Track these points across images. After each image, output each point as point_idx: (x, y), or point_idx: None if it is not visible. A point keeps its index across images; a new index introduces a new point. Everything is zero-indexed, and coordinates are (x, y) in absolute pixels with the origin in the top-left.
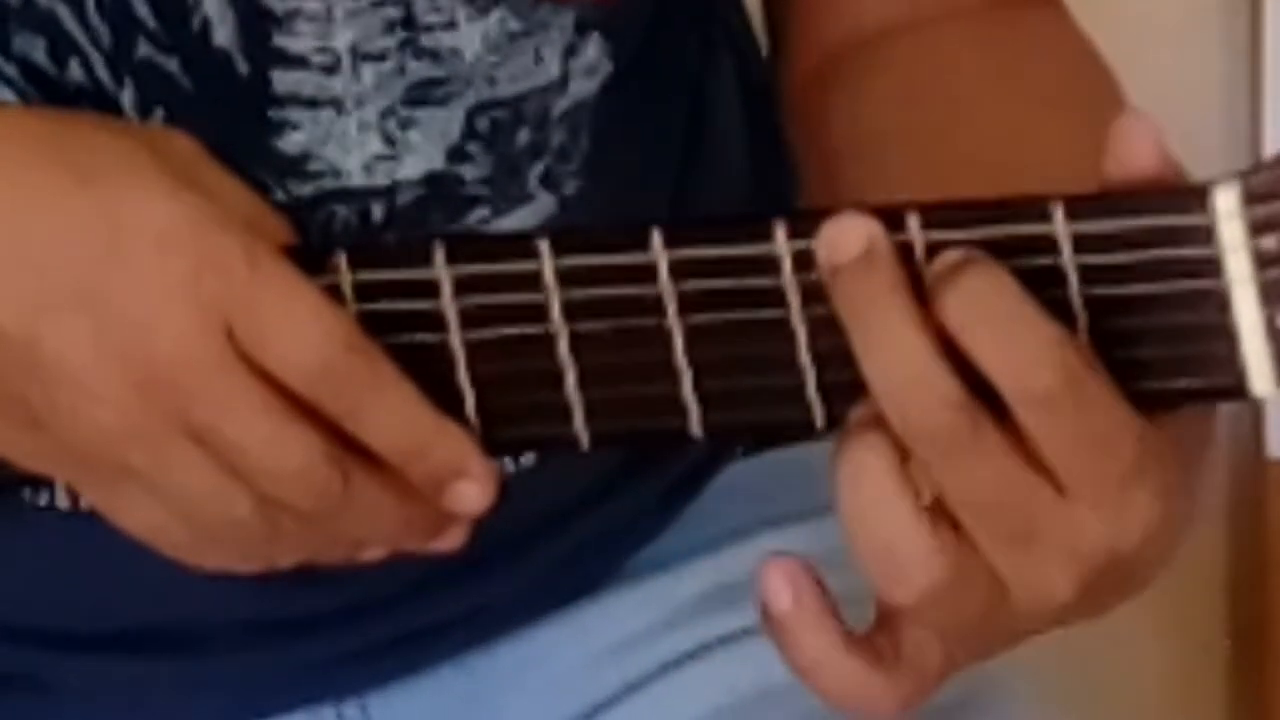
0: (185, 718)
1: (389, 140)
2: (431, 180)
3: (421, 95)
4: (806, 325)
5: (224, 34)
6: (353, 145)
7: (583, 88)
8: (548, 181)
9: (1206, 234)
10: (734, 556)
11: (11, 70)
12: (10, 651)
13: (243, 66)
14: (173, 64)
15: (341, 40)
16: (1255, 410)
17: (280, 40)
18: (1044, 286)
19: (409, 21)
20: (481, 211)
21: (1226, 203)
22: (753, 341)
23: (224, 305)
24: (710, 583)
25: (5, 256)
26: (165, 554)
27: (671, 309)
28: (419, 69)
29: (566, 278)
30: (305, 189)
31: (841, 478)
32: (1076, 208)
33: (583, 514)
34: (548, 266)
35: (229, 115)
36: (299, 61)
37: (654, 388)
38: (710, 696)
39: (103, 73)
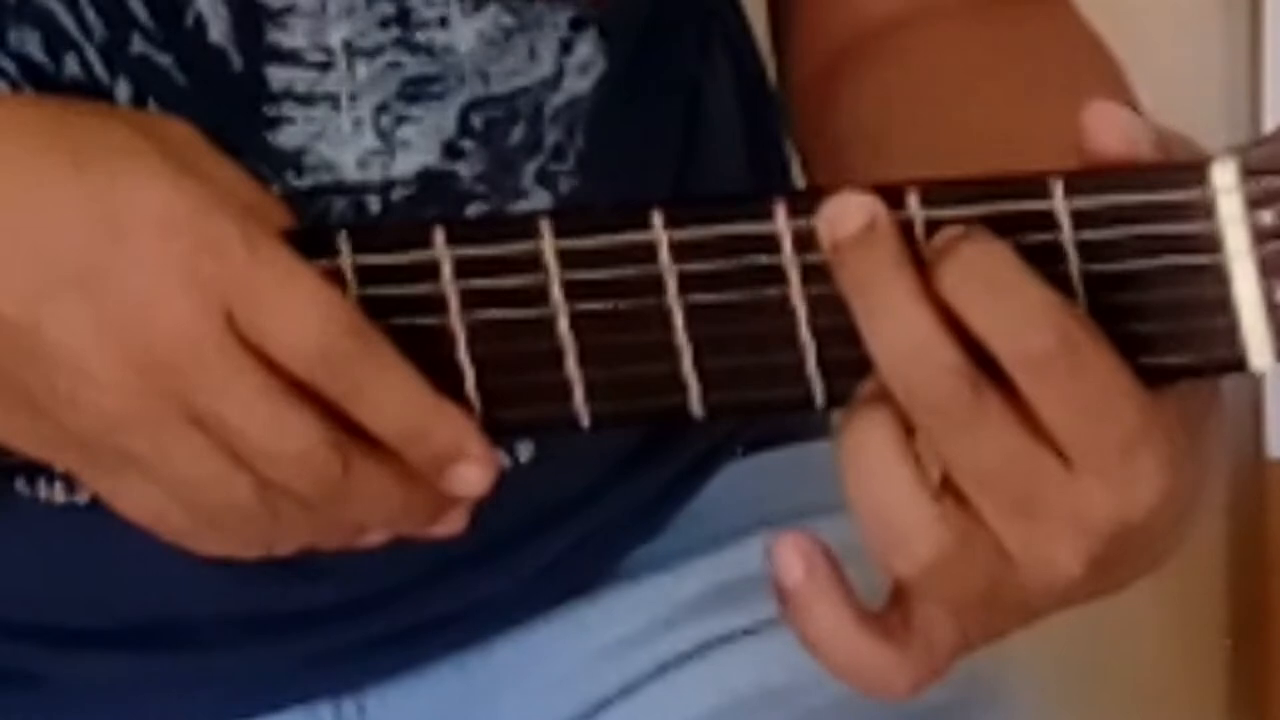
0: (182, 714)
1: (383, 136)
2: (426, 176)
3: (416, 91)
4: (807, 304)
5: (218, 30)
6: (347, 141)
7: (577, 85)
8: (543, 179)
9: (1205, 209)
10: (733, 556)
11: (7, 65)
12: (6, 647)
13: (237, 62)
14: (167, 60)
15: (335, 36)
16: (1255, 410)
17: (274, 36)
18: (1044, 262)
19: (403, 18)
20: (477, 207)
21: (1224, 177)
22: (753, 320)
23: (222, 288)
24: (709, 582)
25: (4, 242)
26: (166, 539)
27: (672, 288)
28: (413, 65)
29: (567, 258)
30: (301, 183)
31: (845, 450)
32: (1076, 184)
33: (581, 511)
34: (548, 247)
35: (223, 111)
36: (293, 57)
37: (655, 367)
38: (709, 696)
39: (98, 67)
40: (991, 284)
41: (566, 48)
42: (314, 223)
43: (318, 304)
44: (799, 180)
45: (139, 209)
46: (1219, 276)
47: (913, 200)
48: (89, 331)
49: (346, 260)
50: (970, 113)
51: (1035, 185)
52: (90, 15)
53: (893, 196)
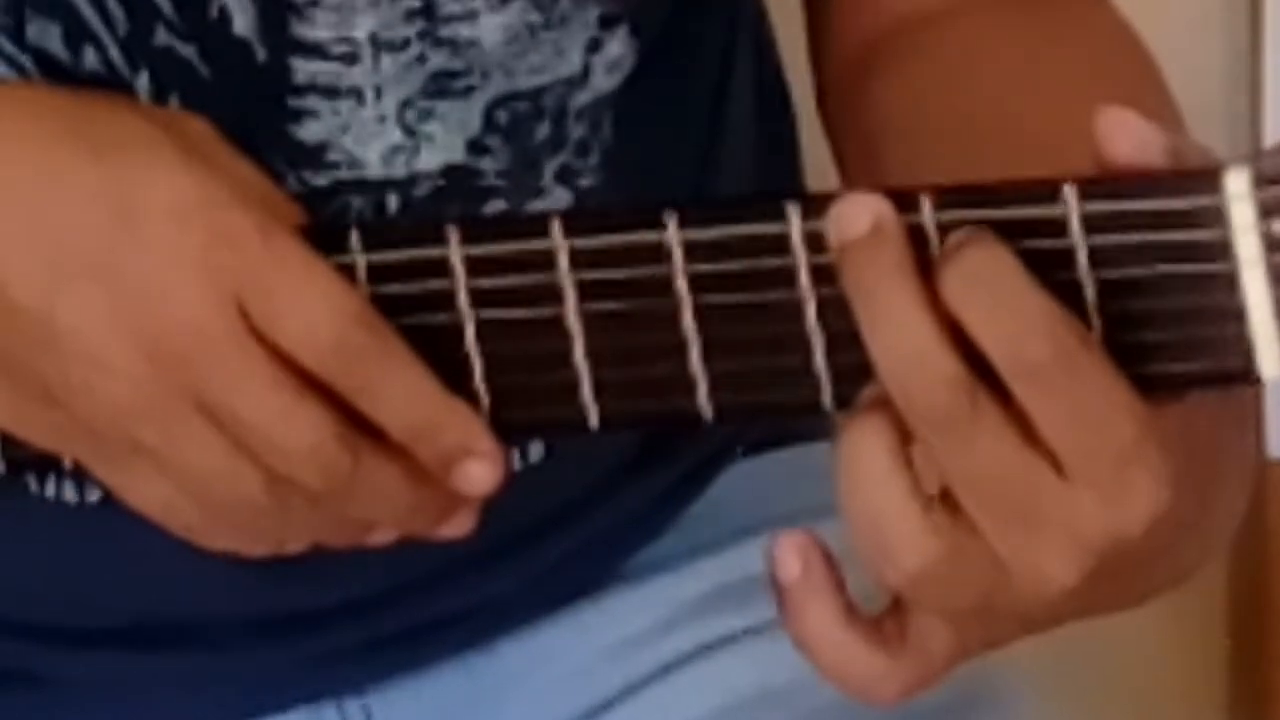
0: (187, 713)
1: (408, 131)
2: (450, 172)
3: (441, 86)
4: (817, 306)
5: (243, 22)
6: (371, 136)
7: (604, 82)
8: (563, 176)
9: (1217, 216)
10: (735, 557)
11: (25, 59)
12: (12, 646)
13: (261, 55)
14: (190, 51)
15: (361, 29)
16: (1256, 410)
17: (299, 29)
18: (1055, 268)
19: (429, 11)
20: (497, 204)
21: (1237, 185)
22: (764, 323)
23: (236, 280)
24: (712, 583)
25: (20, 231)
26: (175, 533)
27: (683, 289)
28: (439, 60)
29: (579, 258)
30: (320, 179)
31: (841, 456)
32: (1088, 190)
33: (585, 513)
34: (561, 247)
35: (246, 103)
36: (318, 50)
37: (665, 369)
38: (711, 697)
39: (118, 60)
40: (991, 291)
41: (595, 45)
42: (327, 220)
43: (330, 297)
44: (810, 184)
45: (154, 199)
46: (1230, 284)
47: (925, 204)
48: (102, 320)
49: (358, 258)
50: (1003, 109)
51: (1048, 190)
52: (113, 6)
53: (905, 200)
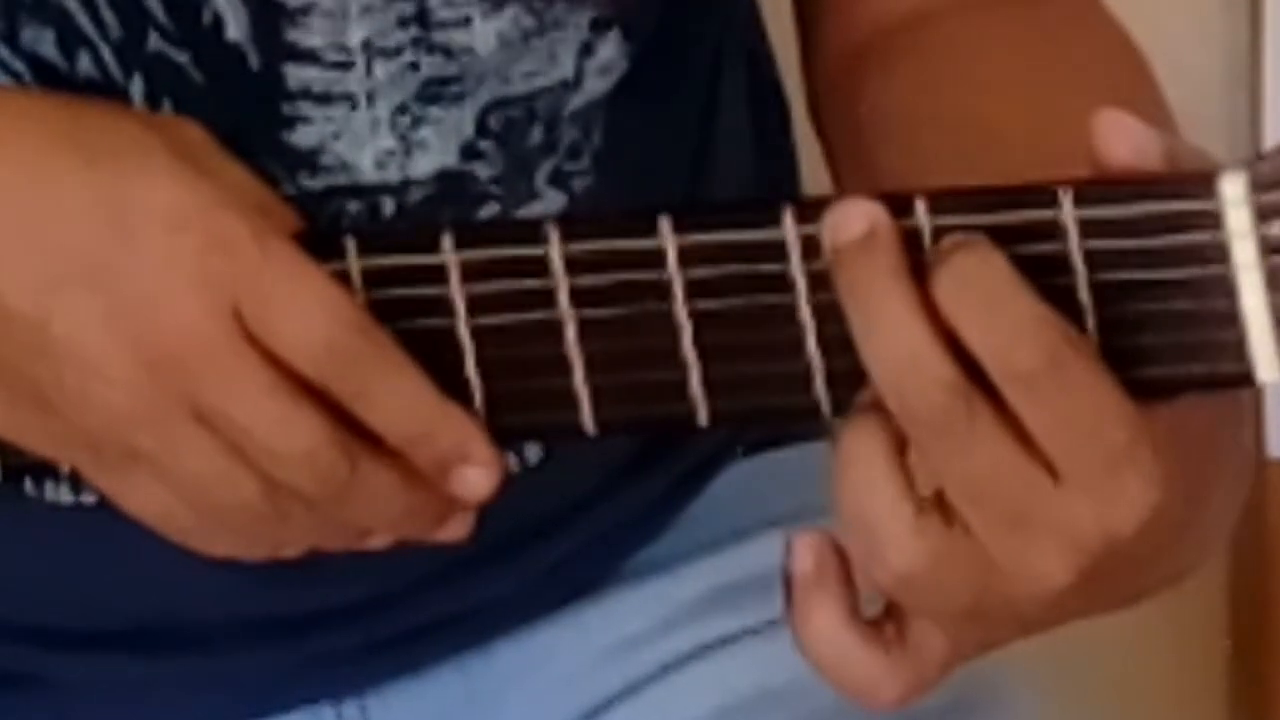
0: (185, 715)
1: (401, 137)
2: (443, 177)
3: (435, 92)
4: (814, 311)
5: (236, 28)
6: (365, 141)
7: (597, 86)
8: (556, 180)
9: (1214, 220)
10: (734, 557)
11: (19, 65)
12: (11, 648)
13: (255, 61)
14: (183, 57)
15: (354, 36)
16: (1255, 410)
17: (293, 35)
18: (1051, 272)
19: (422, 18)
20: (491, 208)
21: (1234, 189)
22: (760, 327)
23: (232, 286)
24: (710, 584)
25: (16, 237)
26: (172, 539)
27: (679, 294)
28: (432, 66)
29: (574, 263)
30: (314, 184)
31: (838, 457)
32: (1084, 194)
33: (583, 514)
34: (556, 252)
35: (239, 109)
36: (311, 57)
37: (661, 374)
38: (710, 698)
39: (112, 65)
40: (982, 297)
41: (588, 50)
42: (322, 225)
43: (326, 303)
44: (805, 185)
45: (149, 206)
46: (1226, 289)
47: (920, 208)
48: (98, 327)
49: (354, 263)
50: (998, 110)
51: (1043, 195)
52: (106, 13)
53: (900, 204)
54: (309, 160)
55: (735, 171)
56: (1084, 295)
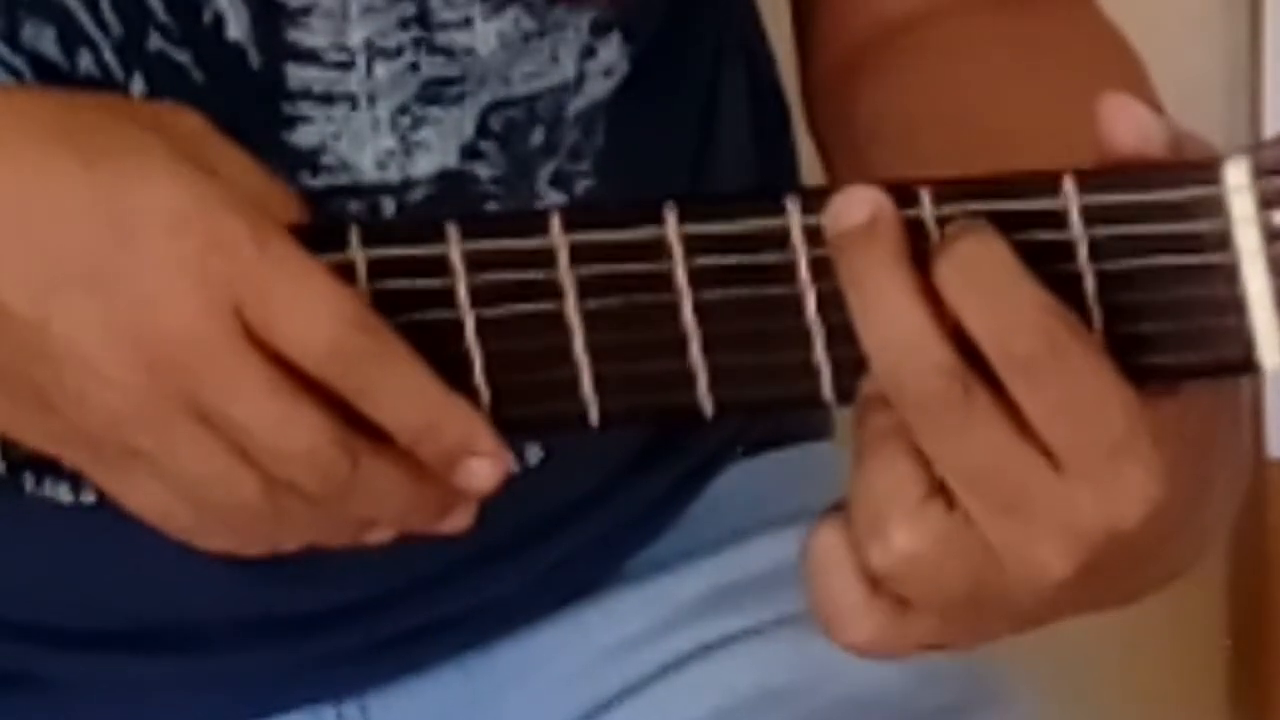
0: (186, 715)
1: (402, 136)
2: (444, 177)
3: (435, 93)
4: (817, 300)
5: (237, 28)
6: (366, 141)
7: (598, 88)
8: (558, 181)
9: (1216, 207)
10: (734, 557)
11: (19, 62)
12: (11, 647)
13: (255, 60)
14: (184, 57)
15: (355, 37)
16: (1255, 410)
17: (294, 35)
18: (1054, 260)
19: (423, 19)
20: (491, 209)
21: (1236, 176)
22: (764, 317)
23: (232, 285)
24: (711, 584)
25: (14, 238)
26: (172, 535)
27: (683, 284)
28: (433, 67)
29: (579, 254)
30: (316, 183)
31: (856, 436)
32: (1088, 182)
33: (584, 515)
34: (560, 243)
35: (240, 108)
36: (312, 57)
37: (665, 364)
38: (710, 697)
39: (113, 63)
40: (983, 282)
41: (589, 51)
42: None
43: (328, 300)
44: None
45: (147, 207)
46: (1230, 276)
47: (925, 198)
48: (97, 329)
49: (358, 254)
50: (994, 111)
51: (1047, 183)
52: (107, 11)
53: (905, 194)
54: (309, 160)
55: (736, 172)
56: (1088, 283)
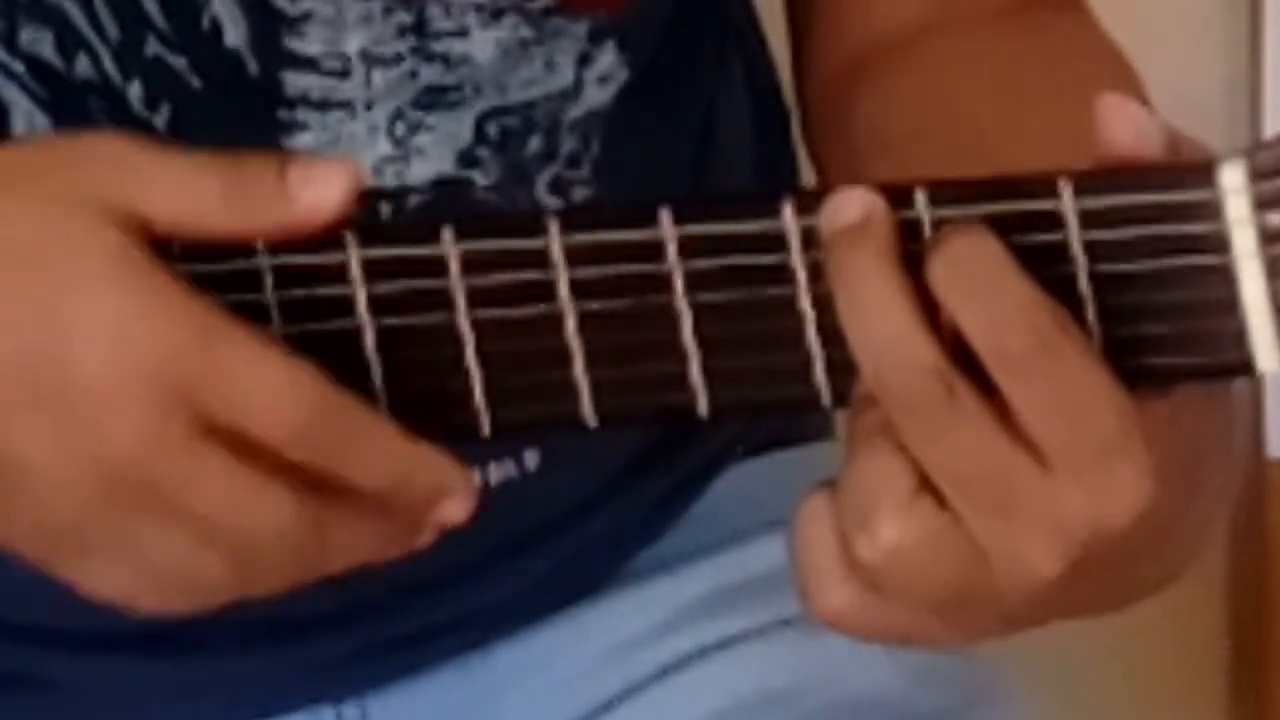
0: (185, 717)
1: (398, 143)
2: (441, 184)
3: (432, 100)
4: (814, 302)
5: (234, 34)
6: (362, 147)
7: (596, 96)
8: (556, 188)
9: (1213, 209)
10: (735, 559)
11: (18, 66)
12: (10, 649)
13: (253, 67)
14: (181, 62)
15: (352, 44)
16: (1255, 410)
17: (291, 42)
18: (1050, 263)
19: (420, 27)
20: None
21: (1233, 178)
22: (760, 319)
23: (183, 387)
24: (710, 585)
25: None
26: (136, 611)
27: (679, 286)
28: (430, 74)
29: (574, 255)
30: None
31: (850, 431)
32: (1084, 184)
33: (585, 518)
34: (556, 244)
35: (238, 115)
36: (309, 64)
37: (661, 366)
38: (710, 699)
39: (111, 68)
40: (974, 279)
41: (586, 60)
42: None
43: (287, 387)
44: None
45: (89, 318)
46: (1226, 278)
47: (920, 199)
48: (49, 446)
49: (353, 254)
50: (990, 124)
51: (1043, 185)
52: (104, 15)
53: (900, 196)
54: None
55: (735, 179)
56: (1084, 285)
